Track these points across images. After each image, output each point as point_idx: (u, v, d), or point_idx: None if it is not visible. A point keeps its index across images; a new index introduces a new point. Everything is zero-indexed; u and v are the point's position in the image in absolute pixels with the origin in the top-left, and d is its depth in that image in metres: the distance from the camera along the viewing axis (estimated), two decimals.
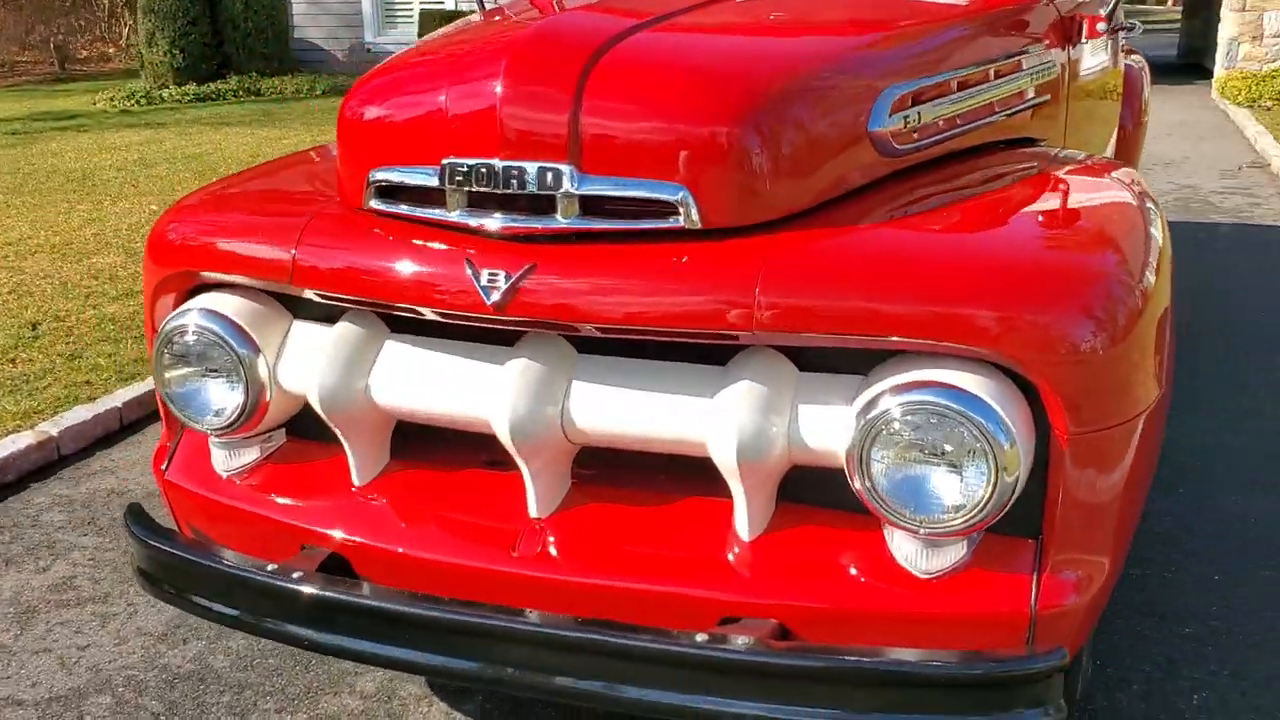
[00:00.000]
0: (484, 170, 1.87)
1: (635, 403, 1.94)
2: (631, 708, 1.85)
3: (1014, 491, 1.75)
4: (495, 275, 1.85)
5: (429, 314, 1.96)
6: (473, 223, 1.91)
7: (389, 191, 2.03)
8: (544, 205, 1.88)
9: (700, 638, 1.82)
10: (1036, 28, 2.83)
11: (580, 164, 1.84)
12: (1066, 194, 2.20)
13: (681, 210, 1.85)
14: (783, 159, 1.90)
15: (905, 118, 2.16)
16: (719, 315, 1.79)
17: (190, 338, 2.16)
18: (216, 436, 2.25)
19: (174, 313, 2.20)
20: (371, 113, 2.07)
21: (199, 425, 2.22)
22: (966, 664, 1.75)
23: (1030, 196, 2.19)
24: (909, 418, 1.76)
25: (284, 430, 2.33)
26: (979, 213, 2.05)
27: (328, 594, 1.99)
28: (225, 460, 2.29)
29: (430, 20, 13.61)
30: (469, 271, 1.87)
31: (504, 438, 1.97)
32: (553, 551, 2.02)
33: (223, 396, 2.19)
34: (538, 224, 1.87)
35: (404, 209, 2.00)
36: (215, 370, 2.19)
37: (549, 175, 1.84)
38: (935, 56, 2.32)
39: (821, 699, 1.78)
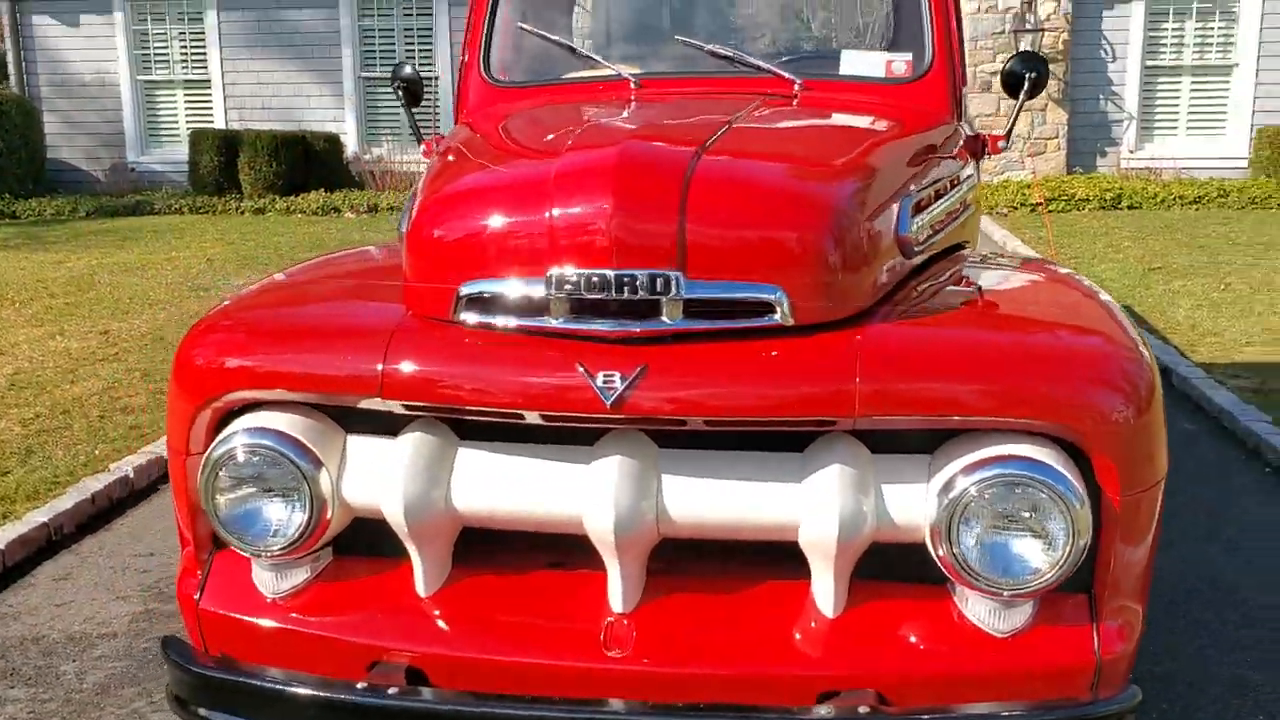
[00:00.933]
0: (595, 279, 1.97)
1: (725, 492, 2.07)
2: None
3: (1084, 551, 1.98)
4: (611, 376, 1.95)
5: (534, 418, 2.02)
6: (582, 328, 2.00)
7: (481, 302, 2.09)
8: (646, 309, 2.00)
9: (823, 710, 1.94)
10: (955, 146, 3.18)
11: (686, 270, 1.98)
12: (1056, 290, 2.50)
13: (777, 308, 2.01)
14: (853, 261, 2.10)
15: (916, 223, 2.41)
16: (822, 403, 1.95)
17: (252, 458, 2.13)
18: (271, 558, 2.20)
19: (227, 434, 2.16)
20: (456, 231, 2.14)
21: (254, 548, 2.17)
22: (1070, 710, 1.94)
23: (1031, 292, 2.47)
24: (992, 490, 1.96)
25: (330, 549, 2.30)
26: (1006, 307, 2.31)
27: (446, 706, 2.00)
28: (273, 582, 2.24)
29: (204, 139, 13.30)
30: (584, 374, 1.96)
31: (603, 534, 2.04)
32: (644, 643, 2.09)
33: (284, 516, 2.15)
34: (647, 327, 1.99)
35: (502, 319, 2.07)
36: (275, 490, 2.15)
37: (659, 281, 1.97)
38: (922, 170, 2.60)
39: None
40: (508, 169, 2.32)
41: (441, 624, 2.18)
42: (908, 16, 3.34)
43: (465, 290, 2.09)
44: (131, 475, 4.46)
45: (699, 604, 2.16)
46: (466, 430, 2.17)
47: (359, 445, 2.20)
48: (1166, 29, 13.75)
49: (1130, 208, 12.36)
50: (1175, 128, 13.97)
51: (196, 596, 2.30)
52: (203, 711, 2.15)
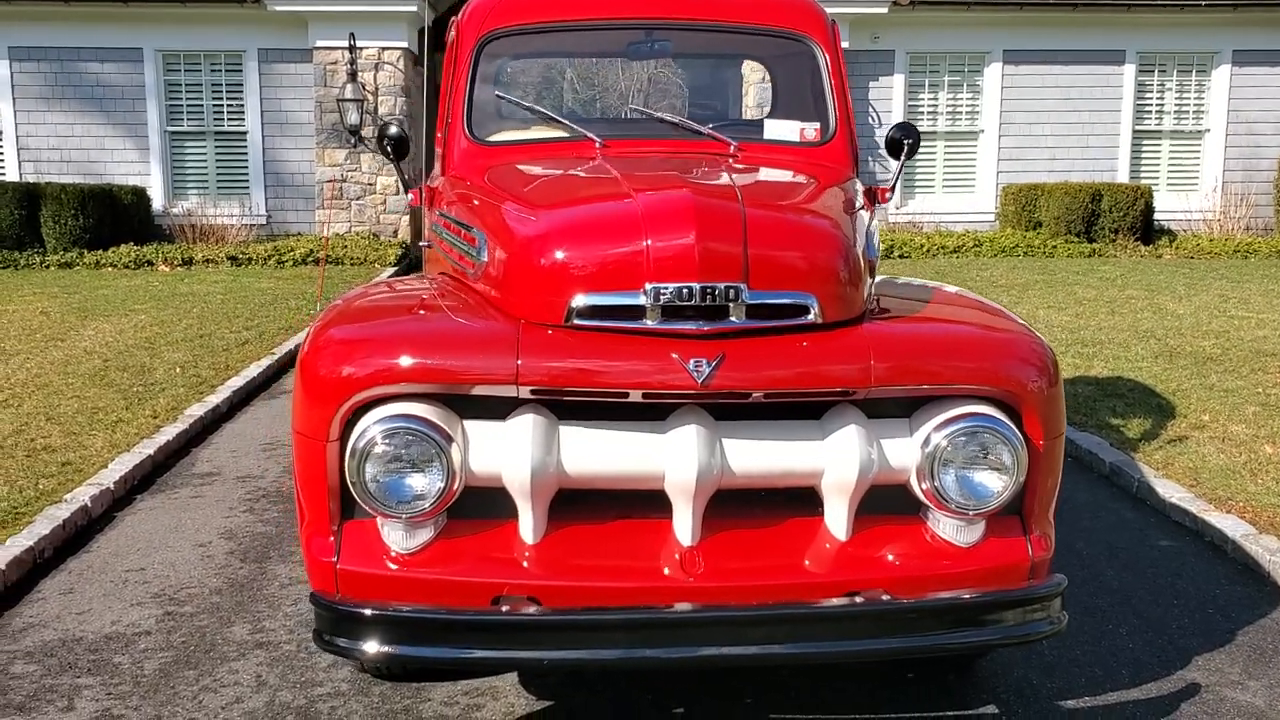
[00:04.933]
0: (685, 290, 2.66)
1: (769, 451, 2.77)
2: (825, 658, 2.65)
3: (1023, 480, 2.79)
4: (700, 363, 2.63)
5: (636, 396, 2.67)
6: (673, 328, 2.68)
7: (589, 310, 2.73)
8: (718, 313, 2.69)
9: (859, 598, 2.67)
10: (862, 195, 4.02)
11: (749, 283, 2.69)
12: (966, 300, 3.32)
13: (811, 310, 2.75)
14: (856, 276, 2.87)
15: (876, 250, 3.21)
16: (848, 378, 2.70)
17: (404, 439, 2.67)
18: (410, 520, 2.74)
19: (375, 421, 2.69)
20: (565, 256, 2.77)
21: (399, 513, 2.71)
22: (1026, 591, 2.73)
23: (954, 301, 3.29)
24: (961, 438, 2.75)
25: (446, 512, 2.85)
26: (950, 311, 3.12)
27: (571, 617, 2.60)
28: (403, 541, 2.77)
29: (1, 193, 12.96)
30: (679, 362, 2.63)
31: (685, 485, 2.71)
32: (710, 567, 2.76)
33: (426, 485, 2.70)
34: (722, 325, 2.69)
35: (607, 323, 2.71)
36: (420, 464, 2.70)
37: (731, 291, 2.67)
38: (857, 212, 3.39)
39: (933, 627, 2.69)
40: (589, 207, 2.97)
41: (550, 563, 2.78)
42: (815, 93, 4.17)
43: (576, 302, 2.73)
44: (89, 504, 4.74)
45: (744, 537, 2.84)
46: (561, 412, 2.79)
47: (477, 427, 2.78)
48: (923, 99, 15.47)
49: (901, 256, 13.83)
50: (933, 186, 15.69)
51: (333, 559, 2.80)
52: (375, 646, 2.65)
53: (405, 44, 14.15)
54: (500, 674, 3.33)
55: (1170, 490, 4.90)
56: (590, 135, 4.00)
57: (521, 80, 4.60)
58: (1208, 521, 4.53)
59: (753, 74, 12.28)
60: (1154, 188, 14.98)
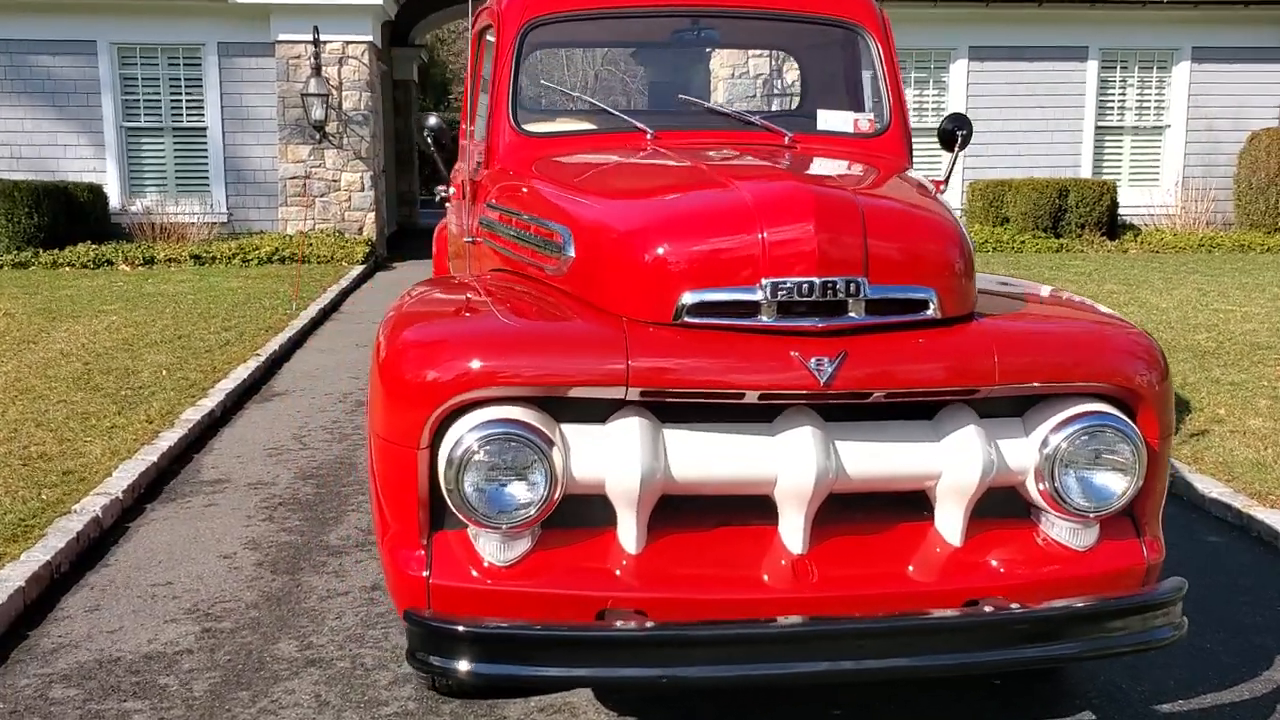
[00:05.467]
0: (805, 286, 2.52)
1: (882, 453, 2.65)
2: (954, 670, 2.54)
3: (1143, 479, 2.69)
4: (821, 361, 2.50)
5: (751, 397, 2.54)
6: (791, 324, 2.54)
7: (700, 307, 2.58)
8: (836, 308, 2.56)
9: (989, 608, 2.55)
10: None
11: (869, 277, 2.57)
12: (1067, 298, 3.22)
13: (931, 305, 2.63)
14: (969, 269, 2.76)
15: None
16: (973, 375, 2.58)
17: (504, 444, 2.51)
18: (510, 531, 2.58)
19: (474, 424, 2.53)
20: (674, 251, 2.62)
21: (499, 523, 2.55)
22: (1152, 596, 2.63)
23: (1057, 299, 3.17)
24: (1082, 438, 2.64)
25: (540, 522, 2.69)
26: (1060, 309, 3.02)
27: (688, 633, 2.46)
28: (499, 553, 2.61)
29: None
30: (799, 360, 2.50)
31: (802, 490, 2.57)
32: (823, 576, 2.64)
33: (529, 494, 2.55)
34: (842, 321, 2.56)
35: (720, 320, 2.57)
36: (522, 472, 2.54)
37: (851, 285, 2.54)
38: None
39: (1060, 636, 2.58)
40: (696, 200, 2.82)
41: (655, 574, 2.63)
42: (868, 84, 4.07)
43: (686, 298, 2.59)
44: (100, 515, 4.51)
45: (853, 544, 2.72)
46: (661, 415, 2.64)
47: (577, 431, 2.62)
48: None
49: None
50: None
51: (425, 574, 2.63)
52: (481, 668, 2.49)
53: (370, 38, 13.86)
54: (613, 693, 3.18)
55: (1208, 486, 4.86)
56: (641, 126, 3.85)
57: (555, 70, 4.46)
58: (1254, 516, 4.50)
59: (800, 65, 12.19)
60: (1117, 183, 15.11)
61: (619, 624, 2.50)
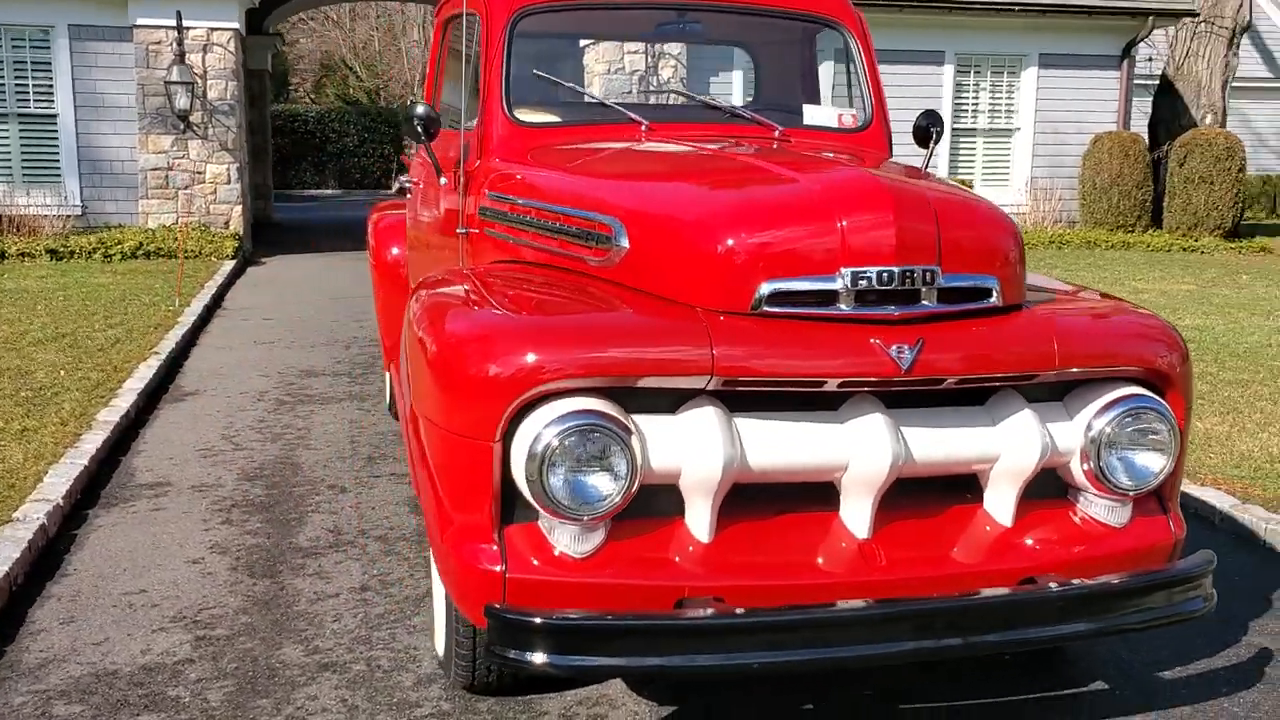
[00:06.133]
0: (884, 274, 2.58)
1: (944, 439, 2.74)
2: (1017, 645, 2.66)
3: (1176, 458, 2.85)
4: (902, 349, 2.56)
5: (832, 385, 2.58)
6: (870, 313, 2.59)
7: (779, 297, 2.60)
8: (910, 297, 2.62)
9: (1054, 586, 2.65)
10: None
11: (942, 266, 2.63)
12: (1092, 291, 3.35)
13: (994, 293, 2.73)
14: (1024, 259, 2.86)
15: None
16: (1039, 360, 2.69)
17: (588, 436, 2.49)
18: (591, 522, 2.55)
19: (554, 417, 2.49)
20: (753, 242, 2.63)
21: (581, 515, 2.52)
22: (1194, 568, 2.78)
23: (1086, 291, 3.30)
24: (1125, 419, 2.78)
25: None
26: (1095, 302, 3.14)
27: (771, 619, 2.48)
28: (574, 545, 2.59)
29: None
30: (881, 348, 2.55)
31: (875, 476, 2.63)
32: (890, 559, 2.70)
33: (611, 485, 2.53)
34: (918, 309, 2.62)
35: (799, 309, 2.60)
36: (605, 463, 2.52)
37: (927, 274, 2.61)
38: None
39: (1113, 609, 2.71)
40: (773, 190, 2.83)
41: (729, 562, 2.65)
42: (850, 79, 4.16)
43: (766, 288, 2.61)
44: (45, 522, 4.24)
45: (912, 528, 2.80)
46: (730, 403, 2.66)
47: (651, 422, 2.62)
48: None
49: None
50: None
51: (499, 568, 2.58)
52: (567, 660, 2.47)
53: (236, 25, 13.35)
54: (647, 683, 3.17)
55: None
56: (636, 118, 3.86)
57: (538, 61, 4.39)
58: (1188, 493, 4.77)
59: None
60: (971, 182, 15.77)
61: (709, 611, 2.51)
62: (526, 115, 3.87)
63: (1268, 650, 3.50)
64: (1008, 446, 2.74)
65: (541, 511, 2.56)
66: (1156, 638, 3.53)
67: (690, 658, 2.52)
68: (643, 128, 3.82)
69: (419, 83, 49.07)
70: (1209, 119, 19.51)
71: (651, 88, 14.58)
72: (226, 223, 13.54)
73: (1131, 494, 2.84)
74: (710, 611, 2.51)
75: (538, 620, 2.47)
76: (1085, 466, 2.80)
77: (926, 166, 4.18)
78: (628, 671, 2.64)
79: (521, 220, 3.42)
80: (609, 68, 14.27)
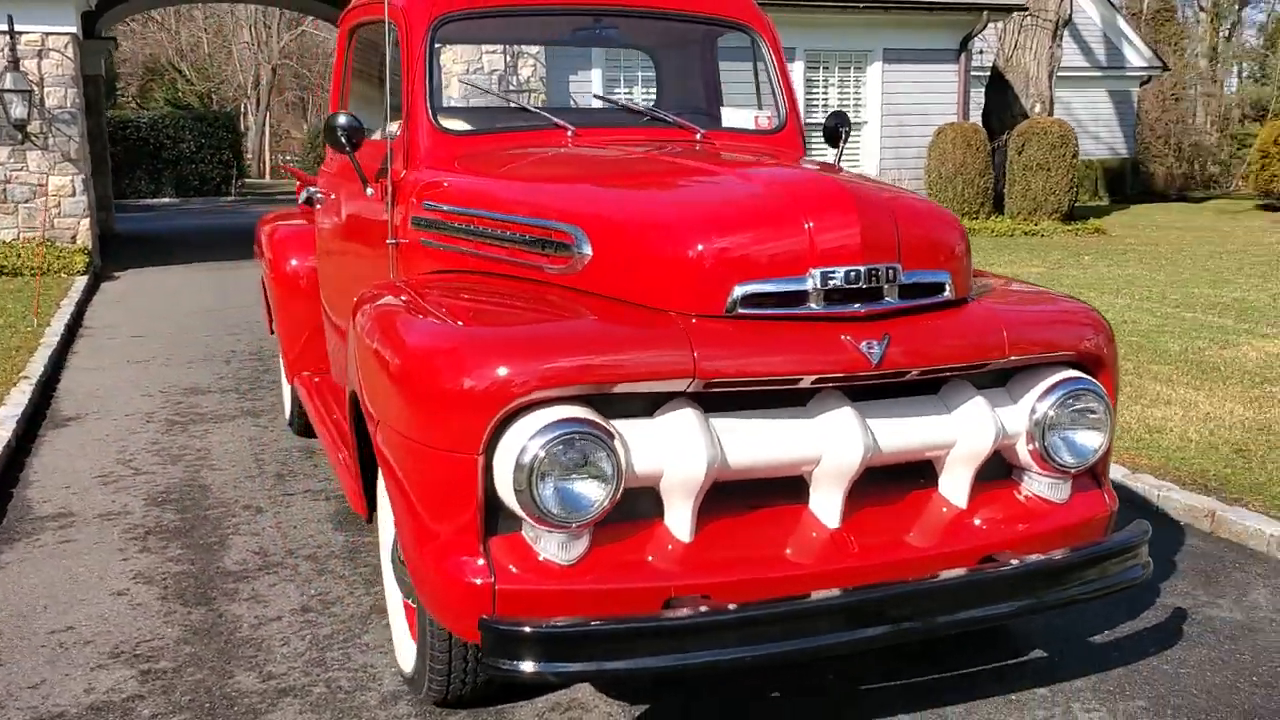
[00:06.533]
0: (852, 274, 2.67)
1: (911, 427, 2.85)
2: (989, 620, 2.78)
3: (1110, 436, 3.03)
4: (870, 344, 2.67)
5: (806, 382, 2.66)
6: (838, 311, 2.68)
7: (752, 299, 2.67)
8: (874, 294, 2.73)
9: (1016, 562, 2.79)
10: None
11: (902, 263, 2.74)
12: (1014, 280, 3.53)
13: (947, 288, 2.85)
14: (970, 255, 2.99)
15: None
16: (992, 349, 2.83)
17: (576, 443, 2.51)
18: (578, 530, 2.58)
19: (540, 426, 2.51)
20: (726, 247, 2.69)
21: (569, 521, 2.54)
22: (1135, 536, 2.96)
23: (1018, 285, 3.46)
24: (1067, 400, 2.95)
25: None
26: (1015, 289, 3.30)
27: (760, 612, 2.55)
28: (561, 554, 2.61)
29: None
30: (851, 344, 2.65)
31: (848, 467, 2.73)
32: (861, 546, 2.80)
33: (599, 491, 2.56)
34: (881, 306, 2.72)
35: (770, 310, 2.67)
36: (592, 469, 2.54)
37: (890, 272, 2.72)
38: None
39: (1070, 580, 2.86)
40: (733, 195, 2.89)
41: (711, 560, 2.71)
42: (763, 82, 4.27)
43: (739, 291, 2.68)
44: None
45: (876, 515, 2.91)
46: (703, 404, 2.72)
47: (629, 426, 2.65)
48: (619, 92, 15.86)
49: None
50: None
51: (489, 580, 2.58)
52: (574, 666, 2.48)
53: (73, 29, 12.76)
54: (615, 686, 3.21)
55: None
56: (561, 123, 3.88)
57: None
58: None
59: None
60: None
61: (702, 609, 2.56)
62: (451, 123, 3.85)
63: (1181, 609, 3.74)
64: (964, 432, 2.88)
65: (529, 521, 2.57)
66: (1082, 607, 3.73)
67: (685, 656, 2.55)
68: (568, 133, 3.85)
69: (254, 86, 47.70)
70: (1038, 108, 20.48)
71: (511, 88, 14.57)
72: (73, 237, 12.96)
73: (1073, 471, 3.01)
74: (704, 609, 2.56)
75: (539, 630, 2.48)
76: (1031, 447, 2.96)
77: (838, 164, 4.35)
78: (628, 674, 2.65)
79: (463, 229, 3.41)
80: (467, 68, 14.16)
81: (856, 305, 2.72)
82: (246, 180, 34.96)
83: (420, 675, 3.04)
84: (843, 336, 2.68)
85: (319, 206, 4.84)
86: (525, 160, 3.60)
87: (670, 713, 3.14)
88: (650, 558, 2.69)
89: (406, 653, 3.20)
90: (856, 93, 17.27)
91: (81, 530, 4.54)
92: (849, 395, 2.81)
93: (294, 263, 5.40)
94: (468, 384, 2.55)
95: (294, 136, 52.77)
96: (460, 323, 2.78)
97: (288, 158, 48.29)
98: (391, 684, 3.26)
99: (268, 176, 44.88)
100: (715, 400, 2.72)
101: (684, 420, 2.65)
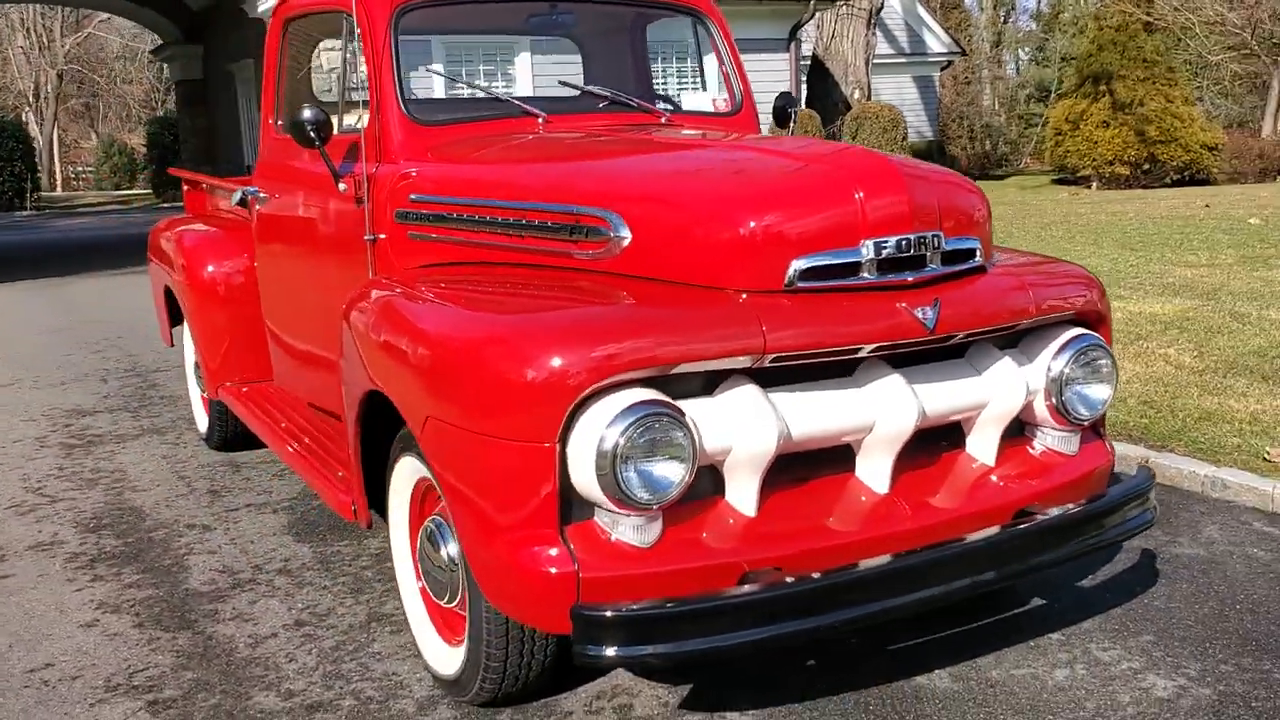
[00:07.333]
0: (903, 242, 2.73)
1: (952, 391, 2.95)
2: (1037, 569, 2.89)
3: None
4: (924, 310, 2.74)
5: (865, 351, 2.71)
6: (892, 279, 2.74)
7: (810, 272, 2.70)
8: (919, 261, 2.80)
9: (1053, 513, 2.92)
10: None
11: (944, 231, 2.82)
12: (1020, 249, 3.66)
13: (978, 254, 2.95)
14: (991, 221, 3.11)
15: None
16: (1027, 310, 2.95)
17: (657, 427, 2.49)
18: (656, 512, 2.56)
19: (618, 411, 2.48)
20: (787, 222, 2.71)
21: (650, 504, 2.53)
22: (1141, 484, 3.12)
23: (1017, 250, 3.60)
24: (1080, 355, 3.10)
25: None
26: (1017, 254, 3.43)
27: (835, 580, 2.60)
28: (638, 537, 2.60)
29: None
30: (907, 311, 2.71)
31: (901, 432, 2.80)
32: (913, 508, 2.88)
33: (679, 471, 2.55)
34: (929, 273, 2.80)
35: (828, 282, 2.71)
36: (671, 451, 2.53)
37: (936, 240, 2.80)
38: None
39: (1100, 528, 3.01)
40: (783, 171, 2.92)
41: (778, 532, 2.74)
42: (719, 68, 4.31)
43: (797, 265, 2.70)
44: None
45: (917, 479, 2.99)
46: (760, 379, 2.74)
47: (694, 406, 2.65)
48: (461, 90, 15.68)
49: None
50: None
51: (572, 568, 2.54)
52: (663, 648, 2.47)
53: None
54: (654, 669, 3.19)
55: None
56: (532, 110, 3.84)
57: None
58: None
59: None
60: None
61: (789, 580, 2.58)
62: (422, 114, 3.75)
63: (1150, 551, 3.98)
64: (997, 393, 2.99)
65: (608, 506, 2.54)
66: None
67: (768, 629, 2.57)
68: (539, 120, 3.80)
69: (35, 94, 44.95)
70: (857, 94, 21.25)
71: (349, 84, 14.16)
72: None
73: (1085, 423, 3.17)
74: (790, 580, 2.58)
75: (632, 614, 2.46)
76: (1049, 403, 3.10)
77: None
78: (714, 652, 2.62)
79: (465, 220, 3.33)
80: (322, 64, 13.69)
81: (906, 274, 2.79)
82: (41, 194, 32.99)
83: (469, 676, 2.96)
84: (899, 304, 2.74)
85: (260, 208, 4.62)
86: (517, 147, 3.54)
87: (712, 689, 3.15)
88: (719, 535, 2.70)
89: (443, 656, 3.11)
90: (695, 82, 17.49)
91: (15, 564, 4.23)
92: (891, 363, 2.89)
93: (211, 269, 5.15)
94: (541, 372, 2.50)
95: (83, 146, 50.09)
96: (519, 313, 2.72)
97: (80, 169, 45.86)
98: (422, 690, 3.17)
99: (60, 189, 42.48)
100: (767, 375, 2.75)
101: (749, 396, 2.67)
